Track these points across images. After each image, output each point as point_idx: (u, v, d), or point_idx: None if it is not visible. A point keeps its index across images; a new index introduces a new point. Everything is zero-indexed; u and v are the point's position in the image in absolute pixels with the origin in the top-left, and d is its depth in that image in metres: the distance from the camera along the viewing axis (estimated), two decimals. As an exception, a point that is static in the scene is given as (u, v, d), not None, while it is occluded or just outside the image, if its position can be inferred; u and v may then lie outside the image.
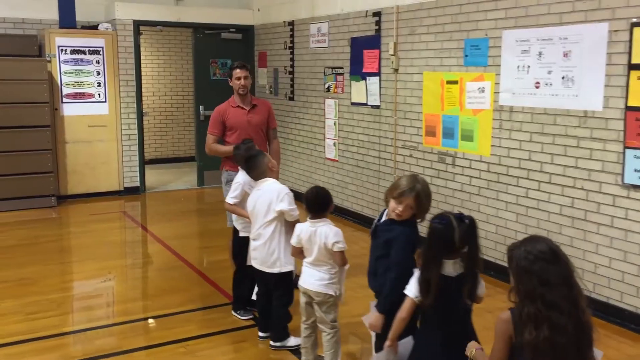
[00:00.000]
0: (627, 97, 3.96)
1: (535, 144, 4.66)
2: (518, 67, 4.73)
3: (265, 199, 3.66)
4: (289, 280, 3.71)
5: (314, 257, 3.32)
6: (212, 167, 8.93)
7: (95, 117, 8.11)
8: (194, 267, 5.25)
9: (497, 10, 4.89)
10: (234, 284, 4.25)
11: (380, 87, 6.36)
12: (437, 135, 5.63)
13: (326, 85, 7.31)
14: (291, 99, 8.14)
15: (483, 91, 5.07)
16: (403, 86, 6.03)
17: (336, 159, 7.22)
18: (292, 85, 8.10)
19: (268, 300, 3.79)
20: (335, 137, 7.22)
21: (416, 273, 2.51)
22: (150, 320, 4.14)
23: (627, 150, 3.98)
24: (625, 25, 3.94)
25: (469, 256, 2.53)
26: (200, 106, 8.88)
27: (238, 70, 4.66)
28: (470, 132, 5.26)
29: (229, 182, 4.55)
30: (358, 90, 6.72)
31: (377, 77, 6.38)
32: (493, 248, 5.12)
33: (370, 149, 6.60)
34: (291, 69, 8.09)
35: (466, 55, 5.23)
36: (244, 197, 4.04)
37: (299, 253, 3.46)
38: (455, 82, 5.35)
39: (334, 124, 7.22)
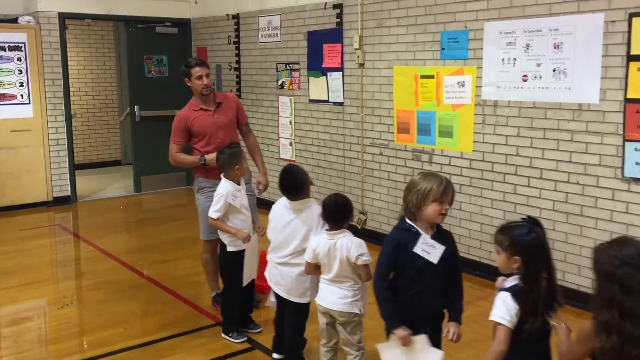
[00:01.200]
0: (626, 89, 3.89)
1: (523, 139, 4.54)
2: (503, 60, 4.58)
3: (309, 223, 3.21)
4: (307, 309, 3.33)
5: (335, 273, 2.98)
6: (149, 171, 8.33)
7: (18, 120, 7.28)
8: (162, 284, 4.73)
9: (477, 1, 4.73)
10: (224, 303, 3.82)
11: (343, 83, 6.07)
12: (411, 132, 5.42)
13: (279, 82, 6.92)
14: (238, 97, 7.66)
15: (463, 85, 4.90)
16: (370, 81, 5.77)
17: (292, 159, 6.86)
18: (238, 83, 7.64)
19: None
20: (292, 137, 6.86)
21: (503, 295, 2.21)
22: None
23: (627, 143, 3.93)
24: (623, 15, 3.87)
25: (550, 265, 2.28)
26: (136, 106, 8.20)
27: (198, 69, 4.09)
28: (449, 128, 5.08)
29: (200, 190, 4.11)
30: (317, 87, 6.39)
31: (340, 73, 6.08)
32: (478, 247, 4.97)
33: (333, 148, 6.30)
34: (237, 65, 7.63)
35: (443, 49, 5.04)
36: (227, 209, 3.64)
37: (314, 269, 3.10)
38: (431, 77, 5.15)
39: (290, 122, 6.85)
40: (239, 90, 7.64)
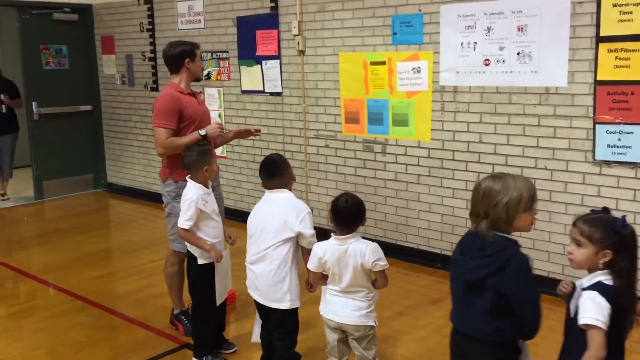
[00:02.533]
0: (596, 71, 3.86)
1: (486, 125, 4.42)
2: (462, 44, 4.43)
3: (280, 213, 2.87)
4: (296, 317, 2.96)
5: (347, 283, 2.64)
6: (52, 175, 7.48)
7: None
8: (102, 305, 4.13)
9: (432, -17, 4.54)
10: (196, 323, 3.34)
11: (281, 72, 5.68)
12: (361, 121, 5.15)
13: (205, 72, 6.38)
14: (154, 89, 7.03)
15: (419, 71, 4.70)
16: (312, 69, 5.42)
17: (224, 155, 6.37)
18: (154, 74, 6.99)
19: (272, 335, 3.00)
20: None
21: (591, 295, 1.97)
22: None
23: (598, 126, 3.90)
24: (591, -4, 3.83)
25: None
26: (34, 102, 7.28)
27: (199, 50, 3.72)
28: (404, 117, 4.87)
29: (179, 197, 3.58)
30: (250, 76, 5.95)
31: (277, 61, 5.68)
32: (439, 239, 4.82)
33: (271, 142, 5.90)
34: (152, 55, 6.97)
35: (395, 33, 4.80)
36: (198, 216, 3.18)
37: (320, 279, 2.75)
38: (383, 63, 4.91)
39: (219, 115, 6.35)
40: (155, 82, 6.99)
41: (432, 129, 4.72)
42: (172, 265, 3.72)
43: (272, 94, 5.81)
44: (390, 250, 4.78)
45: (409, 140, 4.88)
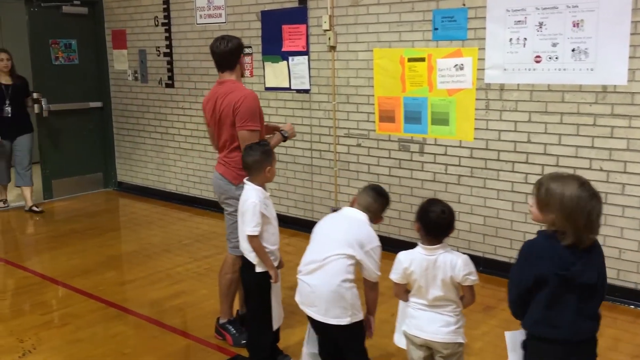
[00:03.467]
0: (658, 69, 3.72)
1: (536, 124, 4.26)
2: (511, 40, 4.26)
3: (352, 231, 2.70)
4: (363, 331, 2.77)
5: (435, 296, 2.46)
6: (61, 174, 7.22)
7: None
8: (138, 313, 3.91)
9: (478, -24, 4.37)
10: (252, 333, 3.14)
11: (309, 68, 5.48)
12: (397, 120, 4.97)
13: (225, 68, 6.16)
14: (169, 85, 6.80)
15: (462, 68, 4.53)
16: (344, 66, 5.23)
17: (245, 154, 6.16)
18: (170, 70, 6.76)
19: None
20: (243, 129, 6.14)
21: None
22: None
23: (659, 126, 3.77)
24: (655, -9, 3.68)
25: None
26: (43, 99, 7.00)
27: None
28: (444, 115, 4.69)
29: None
30: (276, 73, 5.75)
31: (305, 57, 5.48)
32: (481, 241, 4.66)
33: (296, 140, 5.70)
34: (167, 50, 6.74)
35: (436, 29, 4.63)
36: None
37: (403, 292, 2.57)
38: (422, 60, 4.73)
39: (240, 113, 6.12)
40: (170, 78, 6.76)
41: (475, 128, 4.55)
42: (233, 272, 3.48)
43: (299, 91, 5.61)
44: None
45: (449, 140, 4.71)
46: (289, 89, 5.67)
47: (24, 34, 7.02)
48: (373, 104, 5.10)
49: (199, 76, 6.45)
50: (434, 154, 4.81)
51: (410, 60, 4.80)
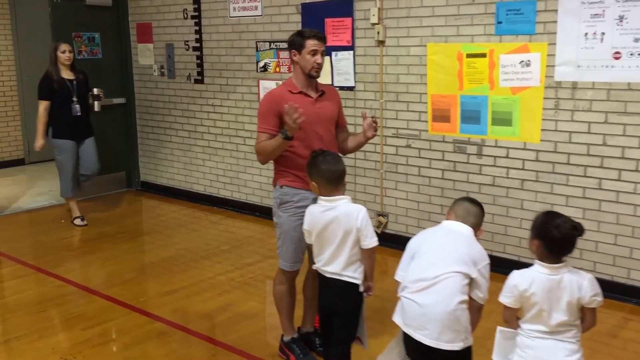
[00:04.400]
0: None
1: (613, 126, 3.96)
2: (586, 34, 3.96)
3: (464, 247, 2.43)
4: (471, 358, 2.47)
5: (559, 321, 2.16)
6: (82, 173, 6.89)
7: None
8: (188, 328, 3.62)
9: (549, -34, 4.06)
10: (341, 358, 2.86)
11: (354, 64, 5.17)
12: (453, 120, 4.67)
13: (261, 64, 5.87)
14: (199, 81, 6.49)
15: (528, 65, 4.23)
16: (393, 62, 4.93)
17: (281, 154, 5.86)
18: (199, 65, 6.45)
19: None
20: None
21: None
22: None
23: None
24: None
25: None
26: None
27: (315, 42, 3.08)
28: (506, 115, 4.39)
29: (284, 204, 3.11)
30: (317, 69, 5.43)
31: (350, 52, 5.18)
32: (546, 250, 4.35)
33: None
34: (197, 45, 6.43)
35: (500, 22, 4.32)
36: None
37: (515, 318, 2.28)
38: (482, 56, 4.43)
39: (277, 111, 5.82)
40: (200, 74, 6.45)
41: (542, 129, 4.25)
42: (280, 284, 3.23)
43: (342, 88, 5.30)
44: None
45: (512, 141, 4.41)
46: (331, 85, 5.36)
47: (39, 28, 6.73)
48: (425, 103, 4.80)
49: (232, 72, 6.15)
50: (494, 156, 4.51)
51: (469, 56, 4.49)
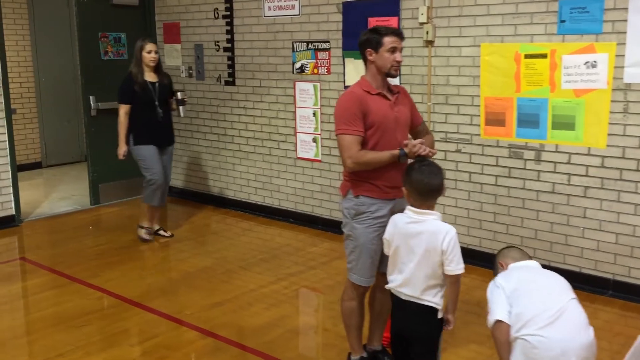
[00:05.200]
0: None
1: (688, 131, 3.75)
2: (660, 34, 3.75)
3: (546, 272, 2.45)
4: None
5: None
6: (108, 178, 6.70)
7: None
8: (243, 345, 3.40)
9: (619, -39, 3.85)
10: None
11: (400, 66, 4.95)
12: (508, 124, 4.45)
13: (298, 65, 5.66)
14: (230, 83, 6.28)
15: (594, 66, 4.01)
16: (443, 63, 4.71)
17: (318, 158, 5.65)
18: (231, 66, 6.24)
19: None
20: (316, 131, 5.64)
21: None
22: None
23: None
24: None
25: None
26: (91, 96, 6.50)
27: (394, 38, 2.86)
28: (569, 119, 4.17)
29: (360, 215, 2.89)
30: (358, 70, 5.21)
31: (396, 52, 4.96)
32: (611, 262, 4.13)
33: (381, 145, 5.18)
34: (229, 45, 6.22)
35: (563, 21, 4.11)
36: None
37: None
38: (543, 56, 4.21)
39: (314, 114, 5.62)
40: (231, 75, 6.24)
41: (608, 134, 4.03)
42: (350, 300, 3.01)
43: (386, 90, 5.09)
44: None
45: (574, 147, 4.19)
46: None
47: (58, 28, 6.53)
48: (478, 106, 4.58)
49: (266, 73, 5.93)
50: (554, 162, 4.29)
51: (527, 56, 4.28)
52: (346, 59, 5.28)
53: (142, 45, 5.17)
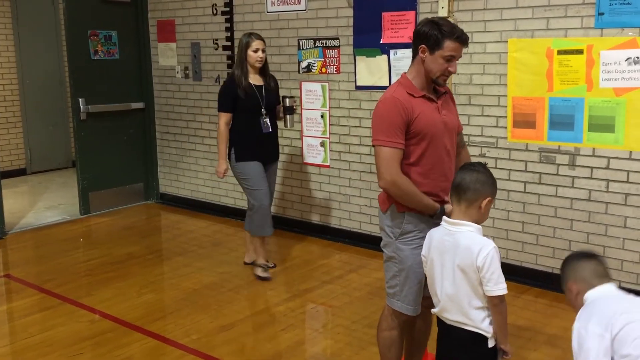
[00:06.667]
0: None
1: None
2: None
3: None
4: None
5: None
6: (98, 186, 6.29)
7: None
8: (262, 377, 3.02)
9: (666, -52, 3.53)
10: None
11: (418, 63, 4.61)
12: (539, 126, 4.11)
13: (304, 64, 5.29)
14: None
15: (636, 62, 3.69)
16: (466, 60, 4.36)
17: (326, 164, 5.28)
18: (230, 66, 5.84)
19: None
20: (324, 135, 5.27)
21: None
22: None
23: None
24: None
25: None
26: (81, 99, 6.08)
27: (457, 45, 2.44)
28: (608, 120, 3.84)
29: (405, 235, 2.53)
30: (371, 69, 4.87)
31: (413, 49, 4.61)
32: (654, 274, 3.81)
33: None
34: (228, 43, 5.83)
35: (601, 14, 3.78)
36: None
37: None
38: (579, 52, 3.88)
39: (322, 116, 5.25)
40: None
41: (652, 136, 3.71)
42: (390, 329, 2.64)
43: (402, 90, 4.74)
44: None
45: (614, 150, 3.86)
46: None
47: (44, 27, 6.13)
48: (505, 106, 4.24)
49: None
50: (591, 167, 3.96)
51: (561, 52, 3.95)
52: (357, 57, 4.92)
53: (247, 42, 4.30)
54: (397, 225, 2.53)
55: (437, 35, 2.44)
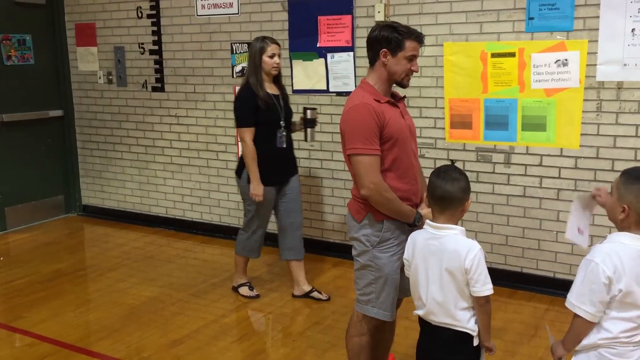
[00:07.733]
0: None
1: (663, 128, 3.70)
2: (633, 30, 3.67)
3: None
4: None
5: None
6: (16, 200, 5.89)
7: None
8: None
9: (589, -44, 3.75)
10: None
11: (355, 67, 4.65)
12: (475, 126, 4.26)
13: (238, 68, 5.19)
14: (158, 89, 5.69)
15: (565, 64, 3.89)
16: (403, 63, 4.44)
17: (263, 169, 5.20)
18: (159, 71, 5.65)
19: None
20: (261, 140, 5.18)
21: None
22: None
23: None
24: None
25: None
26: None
27: (416, 45, 2.49)
28: (540, 120, 4.03)
29: (384, 243, 2.54)
30: (308, 73, 4.86)
31: (350, 53, 4.64)
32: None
33: (335, 152, 4.84)
34: (155, 48, 5.63)
35: (531, 18, 3.96)
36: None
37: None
38: (511, 55, 4.05)
39: (258, 121, 5.16)
40: (160, 81, 5.65)
41: (582, 134, 3.92)
42: (359, 335, 2.61)
43: (339, 93, 4.76)
44: (513, 279, 4.19)
45: (546, 148, 4.05)
46: (327, 91, 4.80)
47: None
48: (442, 108, 4.36)
49: (200, 78, 5.41)
50: (525, 164, 4.14)
51: (494, 55, 4.11)
52: (294, 61, 4.89)
53: (262, 47, 3.85)
54: (375, 234, 2.51)
55: (397, 37, 2.47)
